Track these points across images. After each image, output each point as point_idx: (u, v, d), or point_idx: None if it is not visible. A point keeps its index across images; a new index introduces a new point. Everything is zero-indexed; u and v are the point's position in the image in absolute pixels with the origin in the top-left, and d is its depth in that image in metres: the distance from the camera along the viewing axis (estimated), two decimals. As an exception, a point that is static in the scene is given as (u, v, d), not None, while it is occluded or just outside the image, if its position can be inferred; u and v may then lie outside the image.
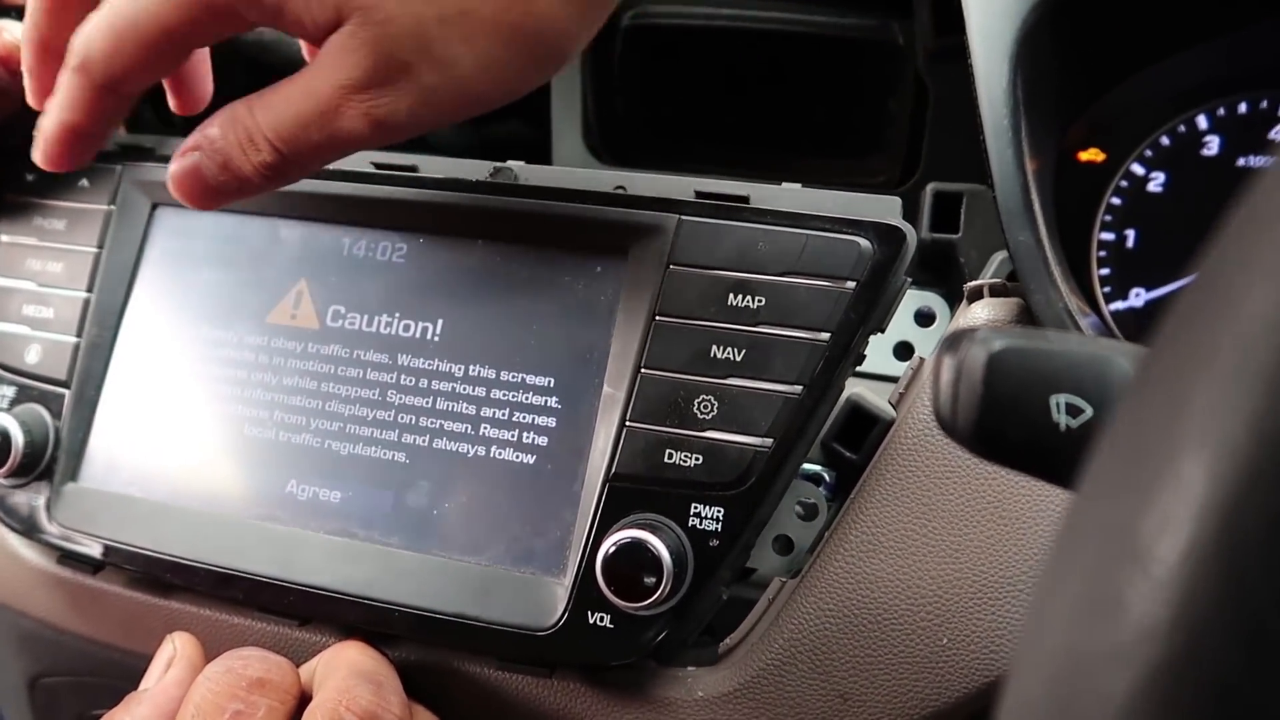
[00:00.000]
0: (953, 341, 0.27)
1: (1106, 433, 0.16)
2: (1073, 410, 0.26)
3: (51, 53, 0.36)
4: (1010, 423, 0.26)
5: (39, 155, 0.36)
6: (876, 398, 0.42)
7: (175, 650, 0.38)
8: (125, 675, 0.46)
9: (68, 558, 0.45)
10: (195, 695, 0.34)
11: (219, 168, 0.33)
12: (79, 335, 0.45)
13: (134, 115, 0.60)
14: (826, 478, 0.44)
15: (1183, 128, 0.51)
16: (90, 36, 0.32)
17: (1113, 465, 0.15)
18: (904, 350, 0.49)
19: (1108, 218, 0.53)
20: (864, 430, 0.42)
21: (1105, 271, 0.52)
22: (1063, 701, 0.14)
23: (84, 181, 0.47)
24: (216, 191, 0.33)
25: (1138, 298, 0.53)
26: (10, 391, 0.46)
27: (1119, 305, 0.53)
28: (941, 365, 0.27)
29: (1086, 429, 0.26)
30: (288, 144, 0.32)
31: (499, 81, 0.31)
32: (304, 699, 0.36)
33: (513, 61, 0.31)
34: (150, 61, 0.32)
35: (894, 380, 0.48)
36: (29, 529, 0.45)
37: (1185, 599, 0.13)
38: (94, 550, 0.43)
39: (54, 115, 0.34)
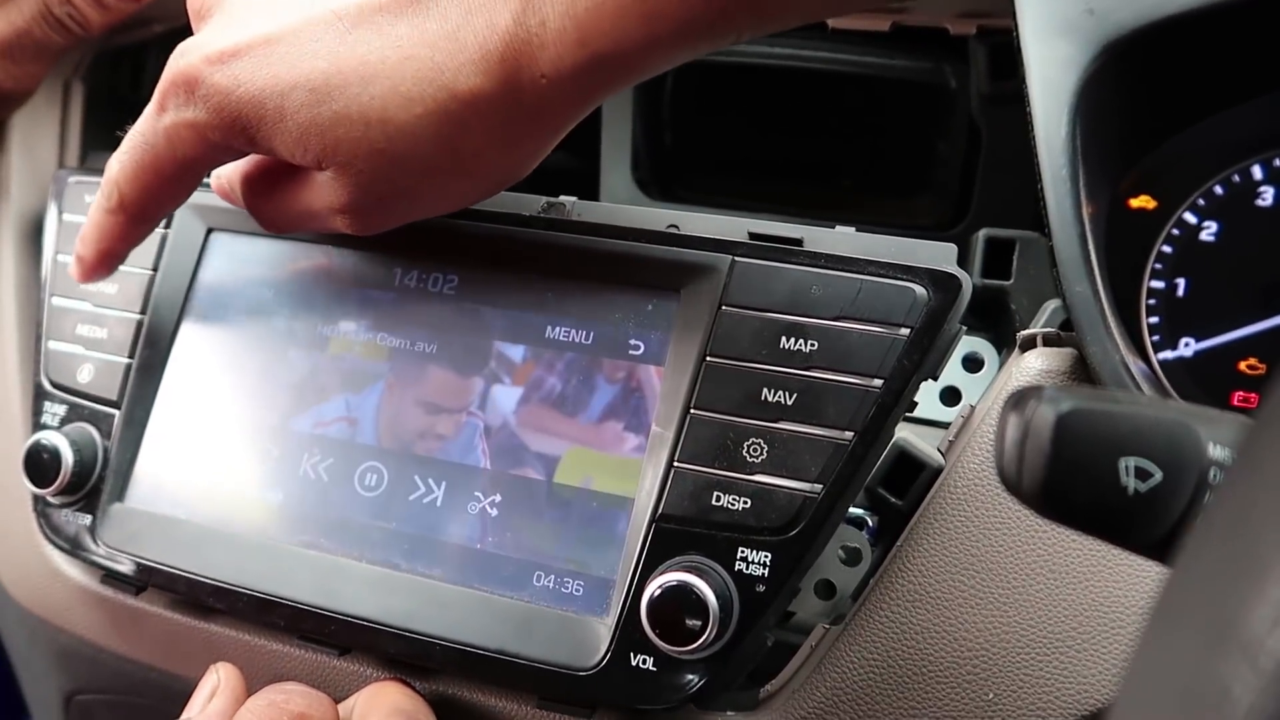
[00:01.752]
0: (1019, 400, 0.27)
1: (1207, 514, 0.15)
2: (1141, 474, 0.26)
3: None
4: (1077, 484, 0.26)
5: (79, 275, 0.41)
6: (923, 444, 0.42)
7: (219, 680, 0.39)
8: (162, 695, 0.46)
9: (111, 577, 0.45)
10: None
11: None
12: (131, 356, 0.46)
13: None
14: (870, 522, 0.44)
15: (1237, 177, 0.51)
16: (119, 181, 0.38)
17: (1216, 550, 0.14)
18: (951, 395, 0.49)
19: (1158, 266, 0.52)
20: (909, 476, 0.41)
21: (1155, 320, 0.52)
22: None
23: (141, 204, 0.48)
24: None
25: (1187, 347, 0.52)
26: (62, 410, 0.46)
27: (1168, 355, 0.52)
28: (1007, 423, 0.27)
29: (1155, 493, 0.26)
30: (286, 229, 0.39)
31: (462, 200, 0.37)
32: None
33: (474, 192, 0.36)
34: (175, 193, 0.39)
35: (940, 425, 0.47)
36: (74, 547, 0.45)
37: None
38: (137, 571, 0.44)
39: (93, 246, 0.40)
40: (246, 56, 0.34)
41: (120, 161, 0.38)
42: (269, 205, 0.38)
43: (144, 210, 0.39)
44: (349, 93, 0.32)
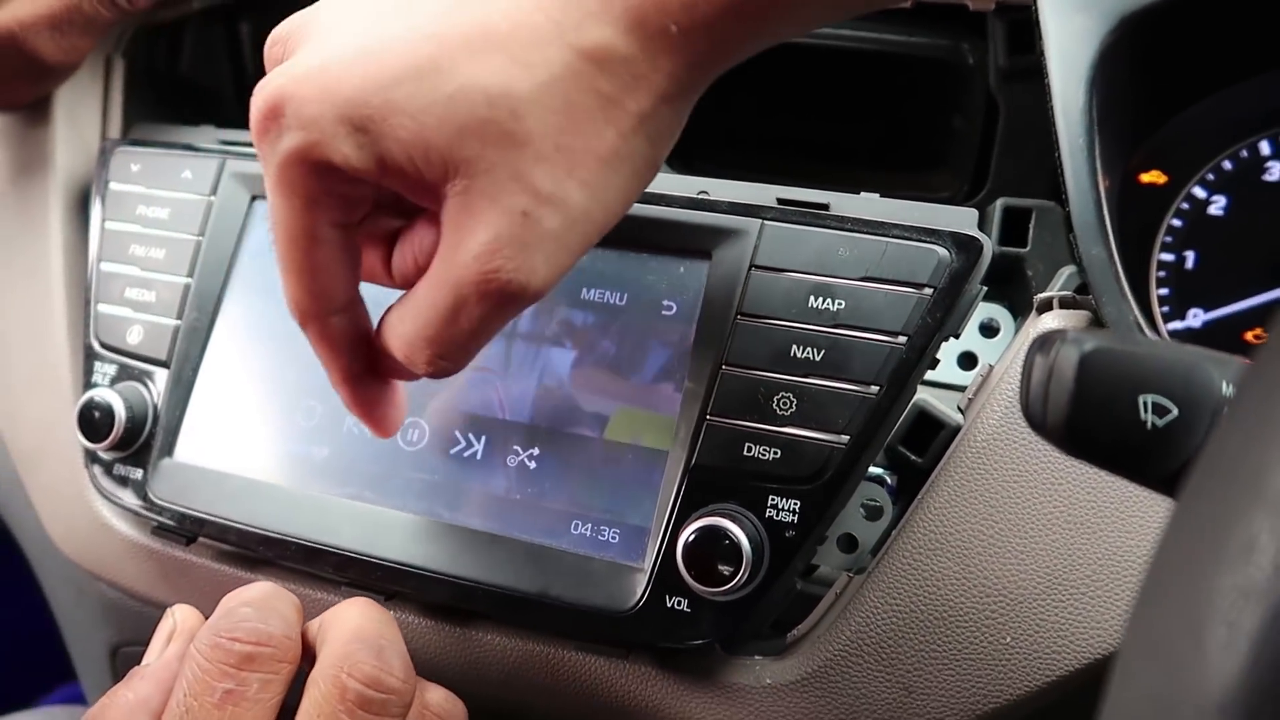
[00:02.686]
0: (1044, 342, 0.28)
1: (1239, 393, 0.17)
2: (1159, 410, 0.27)
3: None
4: (1099, 420, 0.28)
5: (379, 433, 0.37)
6: (942, 404, 0.44)
7: (175, 624, 0.38)
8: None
9: (162, 529, 0.47)
10: (186, 672, 0.33)
11: (405, 371, 0.34)
12: (179, 318, 0.48)
13: (221, 111, 0.63)
14: (889, 480, 0.46)
15: (1245, 152, 0.52)
16: (285, 288, 0.34)
17: (1248, 422, 0.16)
18: (968, 361, 0.50)
19: (1168, 239, 0.54)
20: (929, 435, 0.43)
21: (1164, 292, 0.54)
22: (1196, 635, 0.15)
23: (186, 173, 0.50)
24: (413, 378, 0.36)
25: (1195, 318, 0.54)
26: (112, 369, 0.48)
27: (1177, 325, 0.54)
28: (1033, 364, 0.29)
29: (1171, 428, 0.27)
30: (443, 344, 0.32)
31: (610, 205, 0.31)
32: (310, 658, 0.35)
33: (617, 183, 0.31)
34: (326, 262, 0.33)
35: (958, 389, 0.49)
36: (126, 500, 0.47)
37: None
38: (188, 523, 0.45)
39: (333, 377, 0.35)
40: (334, 67, 0.30)
41: (280, 274, 0.33)
42: (414, 322, 0.32)
43: (316, 297, 0.33)
44: (462, 71, 0.29)
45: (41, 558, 0.58)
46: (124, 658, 0.54)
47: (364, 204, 0.33)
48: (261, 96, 0.31)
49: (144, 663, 0.37)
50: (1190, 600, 0.15)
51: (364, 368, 0.35)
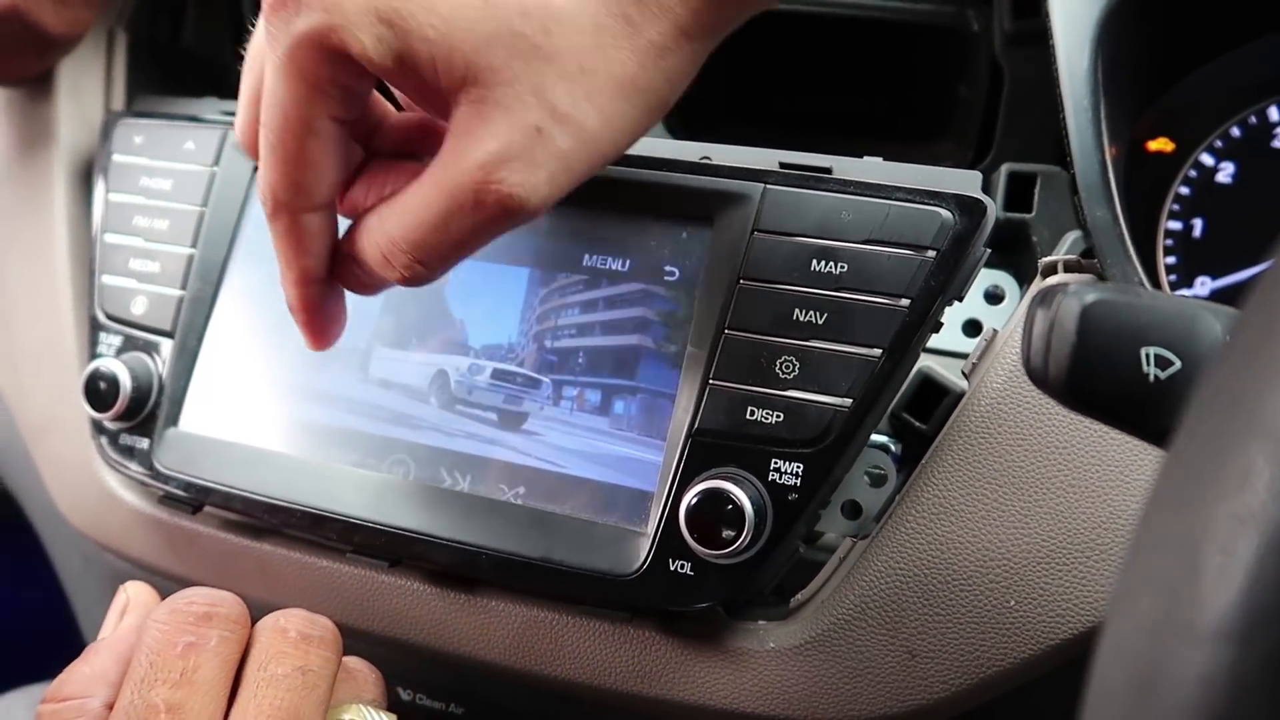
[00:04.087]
0: (1046, 295, 0.28)
1: (1234, 328, 0.17)
2: (1162, 362, 0.27)
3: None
4: (1101, 374, 0.27)
5: (311, 344, 0.36)
6: (946, 371, 0.44)
7: (129, 598, 0.39)
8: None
9: (169, 498, 0.47)
10: (146, 637, 0.34)
11: (367, 279, 0.34)
12: (183, 288, 0.48)
13: (224, 83, 0.63)
14: (893, 448, 0.45)
15: (1253, 119, 0.52)
16: (263, 173, 0.32)
17: (1243, 354, 0.16)
18: (972, 328, 0.50)
19: (1175, 207, 0.53)
20: (933, 402, 0.43)
21: (1171, 260, 0.53)
22: (1192, 563, 0.15)
23: (189, 144, 0.50)
24: (371, 290, 0.35)
25: (1203, 286, 0.53)
26: (117, 340, 0.48)
27: (1184, 293, 0.53)
28: (1035, 317, 0.28)
29: (1174, 381, 0.27)
30: (425, 251, 0.32)
31: (619, 135, 0.31)
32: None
33: (630, 114, 0.31)
34: (327, 149, 0.32)
35: (961, 357, 0.49)
36: (132, 470, 0.47)
37: (1312, 473, 0.14)
38: (194, 491, 0.46)
39: (286, 275, 0.35)
40: None
41: (261, 160, 0.32)
42: (409, 216, 0.31)
43: (299, 190, 0.32)
44: None
45: (50, 530, 0.59)
46: (133, 628, 0.54)
47: (361, 104, 0.32)
48: None
49: (99, 637, 0.38)
50: (1187, 528, 0.15)
51: (323, 273, 0.35)
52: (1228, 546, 0.14)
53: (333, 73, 0.30)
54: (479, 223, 0.31)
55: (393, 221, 0.32)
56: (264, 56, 0.32)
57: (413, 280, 0.33)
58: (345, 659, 0.38)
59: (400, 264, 0.32)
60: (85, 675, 0.35)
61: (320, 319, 0.36)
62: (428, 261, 0.32)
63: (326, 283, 0.35)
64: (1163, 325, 0.27)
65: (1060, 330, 0.28)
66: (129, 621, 0.38)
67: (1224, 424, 0.15)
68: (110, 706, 0.34)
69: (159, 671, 0.33)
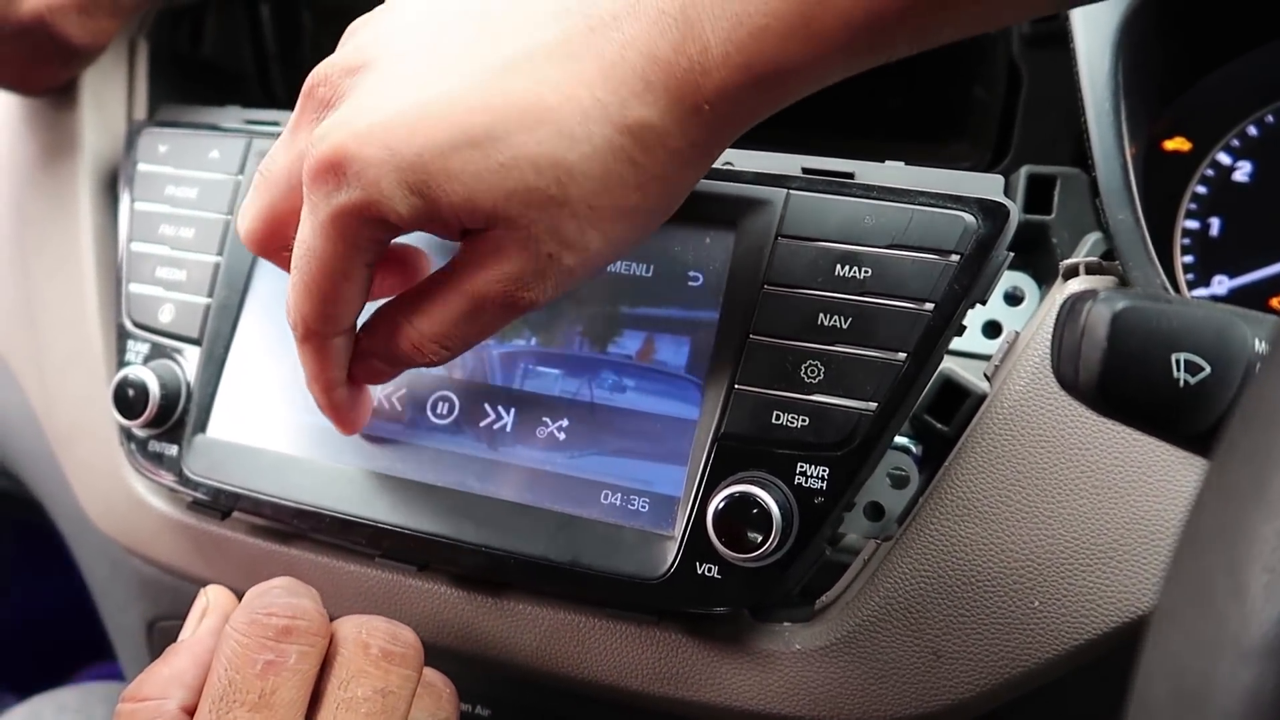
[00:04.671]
0: (1075, 301, 0.29)
1: (1261, 373, 0.17)
2: (1192, 368, 0.28)
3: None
4: (1131, 378, 0.28)
5: (344, 430, 0.40)
6: (967, 373, 0.44)
7: (209, 602, 0.40)
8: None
9: (198, 504, 0.47)
10: (225, 649, 0.35)
11: (390, 366, 0.38)
12: (209, 296, 0.48)
13: (244, 91, 0.63)
14: (914, 450, 0.46)
15: (1270, 118, 0.52)
16: (297, 308, 0.36)
17: (1270, 402, 0.16)
18: (993, 329, 0.50)
19: (1192, 206, 0.53)
20: (955, 404, 0.43)
21: (1189, 259, 0.53)
22: (1237, 580, 0.15)
23: (214, 153, 0.50)
24: (386, 380, 0.40)
25: (1220, 285, 0.54)
26: (145, 348, 0.49)
27: (1201, 292, 0.53)
28: (1064, 324, 0.29)
29: (1204, 386, 0.28)
30: (451, 341, 0.36)
31: (621, 248, 0.35)
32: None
33: (633, 231, 0.35)
34: (354, 294, 0.36)
35: (982, 359, 0.49)
36: (161, 477, 0.48)
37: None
38: (223, 497, 0.46)
39: (318, 388, 0.39)
40: (397, 125, 0.32)
41: (291, 286, 0.36)
42: (429, 316, 0.36)
43: (329, 321, 0.36)
44: (514, 140, 0.31)
45: (78, 535, 0.59)
46: (160, 632, 0.55)
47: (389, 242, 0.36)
48: (322, 149, 0.33)
49: (179, 639, 0.38)
50: (1231, 546, 0.16)
51: (344, 377, 0.39)
52: (1273, 565, 0.14)
53: (371, 232, 0.34)
54: (496, 318, 0.36)
55: (423, 322, 0.36)
56: (281, 180, 0.37)
57: (436, 363, 0.37)
58: (426, 671, 0.39)
59: (429, 351, 0.37)
60: (164, 677, 0.36)
61: (350, 413, 0.40)
62: (452, 348, 0.37)
63: (349, 381, 0.39)
64: (1193, 331, 0.28)
65: (1091, 336, 0.28)
66: (208, 624, 0.39)
67: (1267, 442, 0.15)
68: (187, 710, 0.35)
69: (237, 692, 0.34)
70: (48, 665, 0.95)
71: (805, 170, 0.42)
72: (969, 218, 0.39)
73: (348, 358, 0.38)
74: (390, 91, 0.33)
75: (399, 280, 0.41)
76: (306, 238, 0.34)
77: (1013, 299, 0.50)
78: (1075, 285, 0.42)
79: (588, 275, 0.35)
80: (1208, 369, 0.27)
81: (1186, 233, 0.54)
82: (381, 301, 0.38)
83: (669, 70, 0.31)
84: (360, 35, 0.36)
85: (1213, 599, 0.15)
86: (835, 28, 0.30)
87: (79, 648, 0.93)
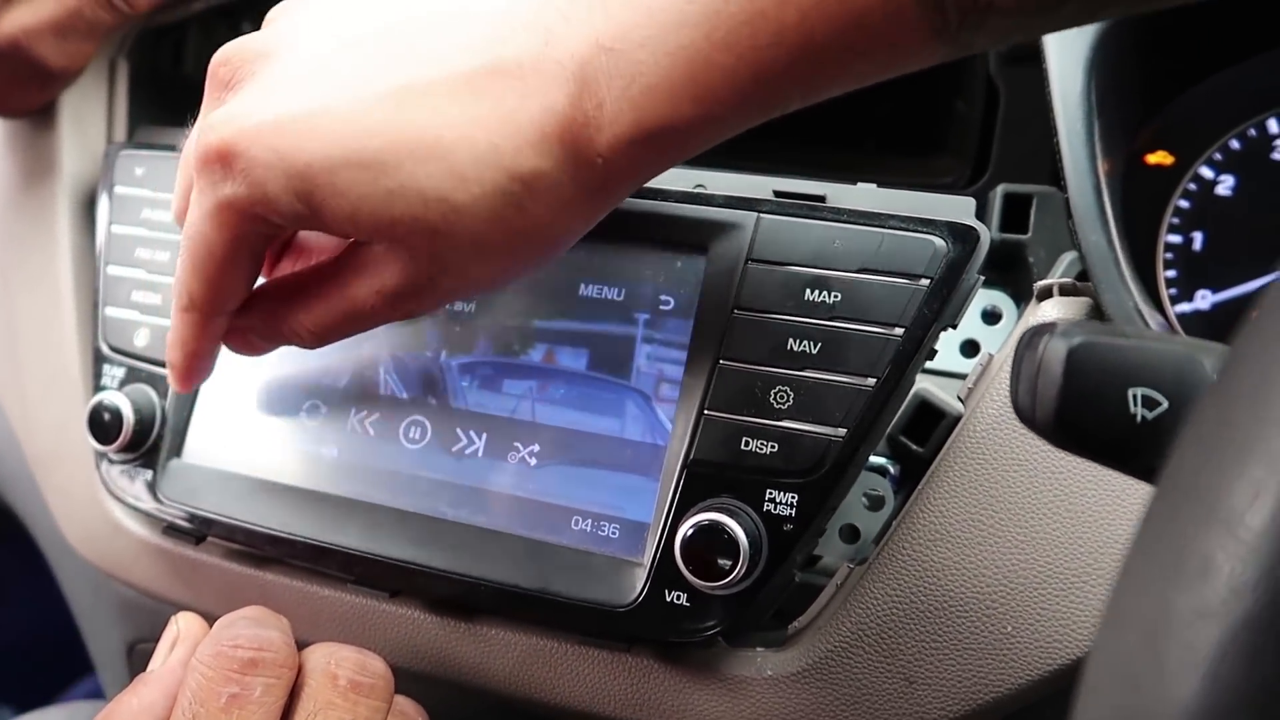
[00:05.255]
0: (1033, 335, 0.28)
1: (1195, 412, 0.17)
2: (1149, 403, 0.27)
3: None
4: (1088, 414, 0.28)
5: (176, 384, 0.40)
6: (944, 393, 0.44)
7: (179, 631, 0.40)
8: (221, 642, 0.49)
9: (172, 529, 0.47)
10: (190, 681, 0.35)
11: (267, 343, 0.39)
12: (184, 320, 0.48)
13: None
14: (892, 470, 0.46)
15: (1253, 131, 0.52)
16: (184, 280, 0.36)
17: (1203, 441, 0.16)
18: (970, 348, 0.50)
19: (1175, 220, 0.53)
20: (931, 424, 0.43)
21: (1171, 274, 0.53)
22: (1156, 655, 0.15)
23: (189, 175, 0.50)
24: (260, 354, 0.40)
25: (1204, 300, 0.53)
26: (120, 372, 0.49)
27: (1185, 307, 0.53)
28: (1022, 358, 0.28)
29: (1161, 421, 0.27)
30: (328, 334, 0.37)
31: (507, 279, 0.36)
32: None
33: (515, 268, 0.35)
34: (239, 278, 0.36)
35: (960, 377, 0.49)
36: (136, 501, 0.48)
37: (1272, 559, 0.14)
38: (197, 522, 0.46)
39: (179, 350, 0.38)
40: (289, 130, 0.32)
41: (180, 260, 0.36)
42: (307, 311, 0.37)
43: (215, 303, 0.36)
44: (404, 169, 0.31)
45: (59, 557, 0.60)
46: (140, 654, 0.55)
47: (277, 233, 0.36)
48: (211, 140, 0.33)
49: (149, 669, 0.38)
50: (1150, 620, 0.15)
51: (213, 348, 0.39)
52: (1189, 641, 0.14)
53: (253, 226, 0.34)
54: (375, 322, 0.36)
55: (302, 315, 0.37)
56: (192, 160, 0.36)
57: (314, 347, 0.38)
58: (397, 699, 0.38)
59: (306, 338, 0.37)
60: (133, 708, 0.36)
61: (200, 375, 0.40)
62: (327, 339, 0.37)
63: (211, 359, 0.39)
64: (1149, 366, 0.27)
65: (1047, 371, 0.28)
66: (178, 654, 0.38)
67: (1185, 512, 0.15)
68: None
69: None
70: (43, 680, 0.95)
71: (776, 193, 0.42)
72: (939, 241, 0.39)
73: (219, 334, 0.38)
74: (288, 90, 0.33)
75: (296, 260, 0.41)
76: (194, 220, 0.35)
77: (991, 317, 0.50)
78: (1048, 307, 0.42)
79: (466, 297, 0.36)
80: (1165, 404, 0.27)
81: (1169, 247, 0.53)
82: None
83: (565, 123, 0.31)
84: (277, 23, 0.36)
85: (1131, 672, 0.15)
86: (723, 87, 0.30)
87: (73, 661, 0.93)
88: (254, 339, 0.38)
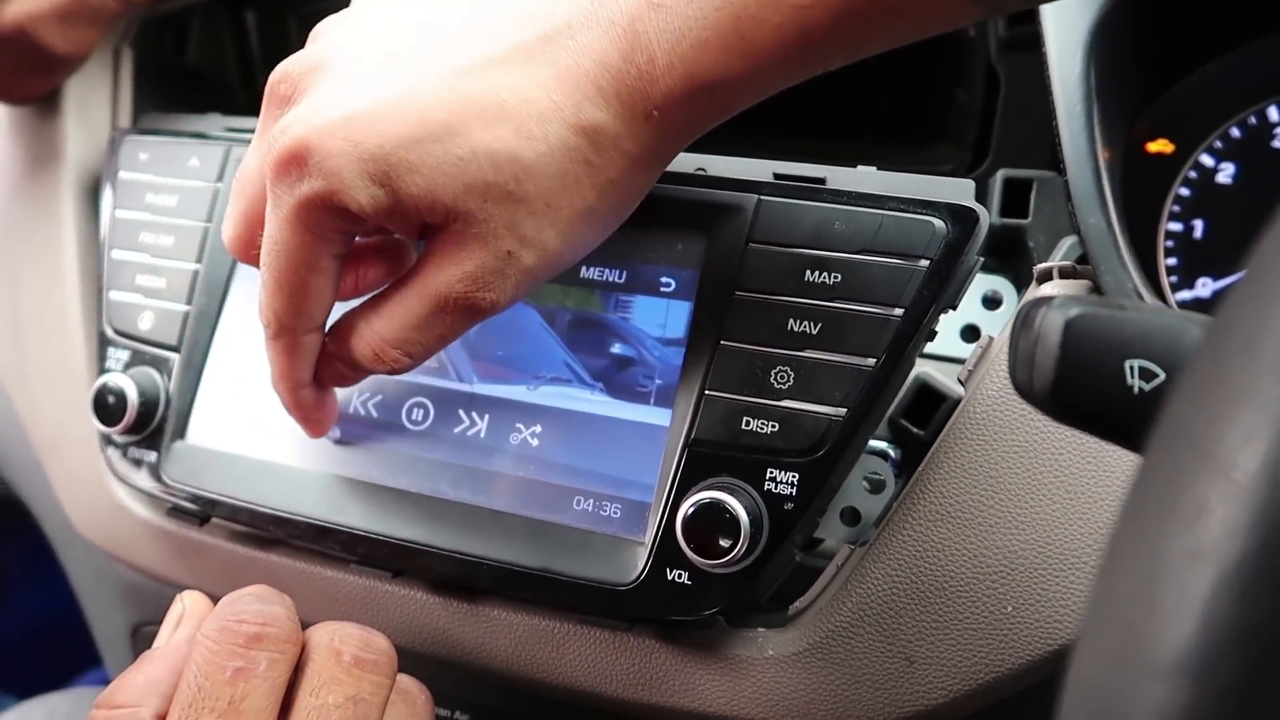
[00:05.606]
0: (1030, 309, 0.28)
1: (1190, 363, 0.17)
2: (1146, 375, 0.27)
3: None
4: (1085, 386, 0.28)
5: (311, 433, 0.40)
6: (944, 377, 0.44)
7: (184, 608, 0.40)
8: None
9: (176, 511, 0.48)
10: (196, 656, 0.35)
11: (351, 375, 0.39)
12: (189, 303, 0.49)
13: (227, 99, 0.64)
14: (892, 454, 0.46)
15: (1253, 119, 0.52)
16: (269, 304, 0.36)
17: (1197, 388, 0.16)
18: (971, 333, 0.50)
19: (1175, 208, 0.53)
20: (931, 408, 0.43)
21: (1172, 261, 0.53)
22: (1150, 598, 0.15)
23: (194, 161, 0.50)
24: (351, 383, 0.40)
25: (1204, 287, 0.53)
26: (125, 355, 0.49)
27: (1185, 295, 0.53)
28: (1019, 332, 0.29)
29: (1159, 393, 0.27)
30: (411, 346, 0.36)
31: (579, 249, 0.36)
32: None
33: (590, 233, 0.36)
34: (324, 285, 0.36)
35: (960, 362, 0.49)
36: (140, 483, 0.48)
37: (1264, 502, 0.14)
38: (201, 503, 0.46)
39: (285, 385, 0.38)
40: (357, 120, 0.32)
41: (262, 282, 0.36)
42: (390, 319, 0.36)
43: (302, 317, 0.36)
44: (474, 135, 0.32)
45: (63, 541, 0.60)
46: (144, 637, 0.55)
47: (356, 235, 0.37)
48: (284, 143, 0.33)
49: (154, 646, 0.38)
50: (1145, 563, 0.16)
51: (311, 377, 0.39)
52: (1182, 583, 0.14)
53: (335, 223, 0.34)
54: (458, 322, 0.36)
55: (382, 325, 0.36)
56: (255, 180, 0.37)
57: (399, 370, 0.37)
58: (400, 678, 0.39)
59: (390, 358, 0.36)
60: (138, 684, 0.36)
61: (316, 414, 0.40)
62: (414, 354, 0.36)
63: (315, 382, 0.39)
64: (1147, 338, 0.27)
65: (1044, 344, 0.28)
66: (183, 632, 0.39)
67: (1179, 458, 0.15)
68: (160, 717, 0.35)
69: (206, 698, 0.34)
70: (49, 668, 0.96)
71: (777, 175, 0.42)
72: (938, 223, 0.39)
73: (315, 358, 0.38)
74: (351, 88, 0.33)
75: (380, 275, 0.41)
76: (273, 232, 0.35)
77: (991, 302, 0.50)
78: (1048, 290, 0.42)
79: (547, 275, 0.36)
80: (1162, 375, 0.27)
81: (1170, 235, 0.53)
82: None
83: (619, 77, 0.33)
84: (326, 36, 0.37)
85: (1126, 617, 0.15)
86: (769, 43, 0.32)
87: (81, 651, 0.94)
88: (340, 366, 0.38)
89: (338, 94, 0.34)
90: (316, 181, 0.33)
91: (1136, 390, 0.27)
